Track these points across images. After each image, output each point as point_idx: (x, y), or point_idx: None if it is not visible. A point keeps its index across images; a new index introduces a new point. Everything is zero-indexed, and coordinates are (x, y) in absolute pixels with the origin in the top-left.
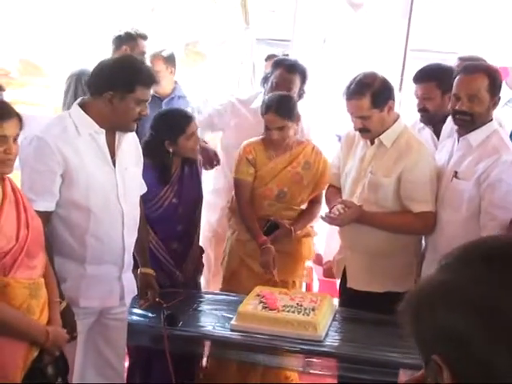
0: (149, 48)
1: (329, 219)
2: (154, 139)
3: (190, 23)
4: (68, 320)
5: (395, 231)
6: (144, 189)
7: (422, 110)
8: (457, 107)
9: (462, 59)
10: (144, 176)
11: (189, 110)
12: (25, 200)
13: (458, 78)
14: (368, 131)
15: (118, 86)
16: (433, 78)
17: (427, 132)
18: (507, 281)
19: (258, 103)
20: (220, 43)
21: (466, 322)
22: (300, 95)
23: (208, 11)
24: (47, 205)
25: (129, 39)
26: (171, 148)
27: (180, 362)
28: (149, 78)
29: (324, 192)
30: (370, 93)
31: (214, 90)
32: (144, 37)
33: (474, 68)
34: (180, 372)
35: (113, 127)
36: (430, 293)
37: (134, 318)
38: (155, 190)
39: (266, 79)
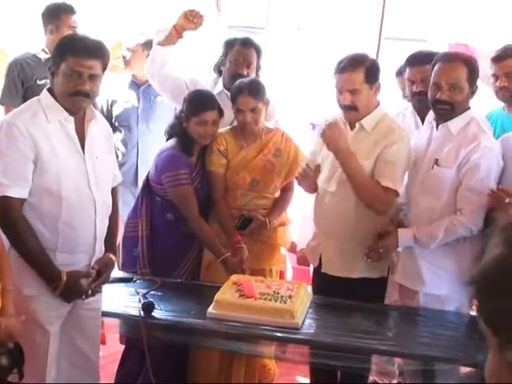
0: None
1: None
2: (181, 109)
3: (161, 9)
4: (75, 286)
5: (358, 187)
6: (119, 179)
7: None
8: (437, 96)
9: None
10: (178, 159)
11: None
12: None
13: (437, 66)
14: (355, 109)
15: (53, 59)
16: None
17: (410, 117)
18: None
19: (218, 89)
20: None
21: None
22: (257, 71)
23: None
24: (22, 191)
25: (52, 18)
26: (184, 123)
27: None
28: (78, 47)
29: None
30: (364, 67)
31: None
32: (70, 11)
33: (454, 57)
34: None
35: (67, 109)
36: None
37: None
38: (190, 167)
39: (221, 64)
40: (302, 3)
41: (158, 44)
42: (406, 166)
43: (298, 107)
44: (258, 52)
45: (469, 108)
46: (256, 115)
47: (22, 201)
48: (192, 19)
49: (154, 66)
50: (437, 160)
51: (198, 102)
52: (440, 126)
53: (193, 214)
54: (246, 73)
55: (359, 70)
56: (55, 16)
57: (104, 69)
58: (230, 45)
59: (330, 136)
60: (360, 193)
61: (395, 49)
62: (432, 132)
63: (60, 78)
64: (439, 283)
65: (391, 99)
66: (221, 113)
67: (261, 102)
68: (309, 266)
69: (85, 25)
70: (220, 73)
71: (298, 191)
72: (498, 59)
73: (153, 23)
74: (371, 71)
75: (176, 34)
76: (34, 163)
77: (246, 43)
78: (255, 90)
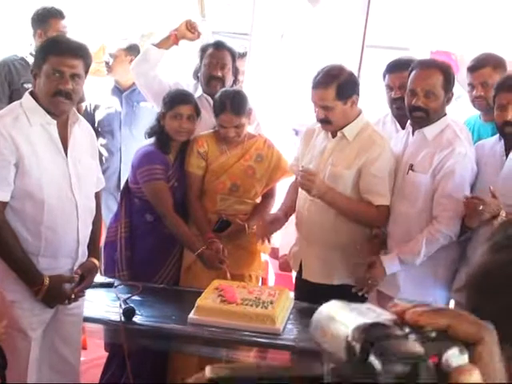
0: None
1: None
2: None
3: (145, 14)
4: (57, 290)
5: (351, 216)
6: (102, 184)
7: None
8: (413, 103)
9: None
10: (153, 154)
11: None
12: None
13: (413, 73)
14: (329, 123)
15: (36, 61)
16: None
17: (390, 124)
18: None
19: (198, 94)
20: None
21: None
22: (235, 74)
23: (163, 2)
24: (3, 194)
25: (41, 22)
26: (162, 121)
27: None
28: (61, 47)
29: (277, 185)
30: (336, 84)
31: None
32: (59, 15)
33: (429, 64)
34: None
35: (51, 112)
36: (497, 275)
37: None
38: (166, 165)
39: (198, 70)
40: (286, 10)
41: (153, 45)
42: (391, 176)
43: (282, 113)
44: (233, 55)
45: (445, 115)
46: (239, 130)
47: (4, 204)
48: (190, 29)
49: (145, 65)
50: (412, 165)
51: (173, 97)
52: (416, 132)
53: (167, 210)
54: (220, 74)
55: (330, 88)
56: (44, 20)
57: (86, 70)
58: (204, 49)
59: (308, 185)
60: (356, 221)
61: (378, 57)
62: (408, 137)
63: (42, 78)
64: (414, 289)
65: (374, 106)
66: (197, 111)
67: (244, 116)
68: (291, 271)
69: (69, 28)
70: (198, 78)
71: (281, 197)
72: (473, 69)
73: (137, 28)
74: (343, 87)
75: (174, 39)
76: (15, 167)
77: (219, 46)
78: (238, 106)
